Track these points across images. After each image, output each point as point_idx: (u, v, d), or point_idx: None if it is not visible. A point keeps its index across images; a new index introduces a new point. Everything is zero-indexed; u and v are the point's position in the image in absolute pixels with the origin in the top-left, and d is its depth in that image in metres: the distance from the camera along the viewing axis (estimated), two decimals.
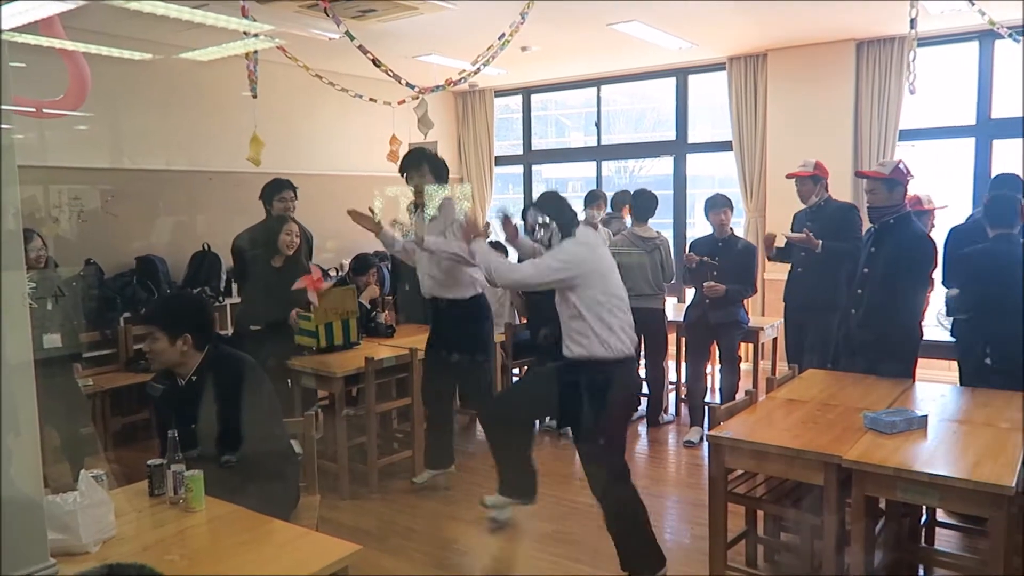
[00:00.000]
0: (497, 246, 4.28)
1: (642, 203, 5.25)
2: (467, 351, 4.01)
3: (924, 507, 3.21)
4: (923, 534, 3.36)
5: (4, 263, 1.66)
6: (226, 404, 2.59)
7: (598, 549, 3.53)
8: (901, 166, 3.58)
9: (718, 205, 4.96)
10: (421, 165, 3.93)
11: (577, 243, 3.15)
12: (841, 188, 6.03)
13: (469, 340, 4.02)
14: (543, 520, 3.85)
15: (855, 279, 3.78)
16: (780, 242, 4.79)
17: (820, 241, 4.41)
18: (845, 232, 4.46)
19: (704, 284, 4.84)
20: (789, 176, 4.76)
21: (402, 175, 4.01)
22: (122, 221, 5.62)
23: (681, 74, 7.43)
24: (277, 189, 4.65)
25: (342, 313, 4.10)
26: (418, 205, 3.95)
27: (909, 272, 3.51)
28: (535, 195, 8.33)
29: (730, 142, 7.08)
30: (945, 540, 3.50)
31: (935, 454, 2.53)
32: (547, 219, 3.16)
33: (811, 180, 4.63)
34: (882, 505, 2.96)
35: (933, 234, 4.22)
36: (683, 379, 5.64)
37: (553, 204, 3.22)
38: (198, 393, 2.63)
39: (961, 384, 3.64)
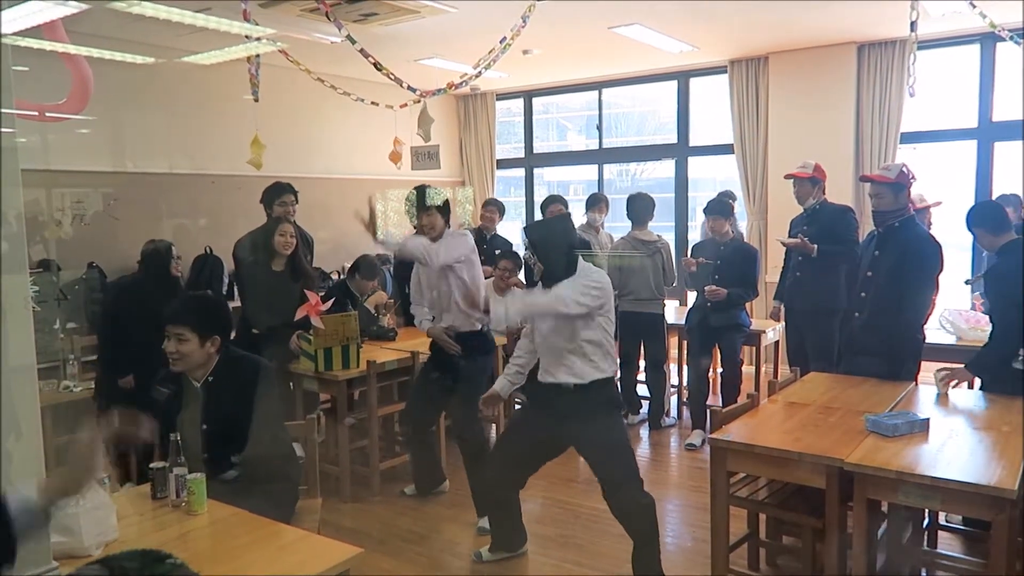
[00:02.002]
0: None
1: (639, 207, 5.25)
2: (462, 388, 3.83)
3: (926, 510, 3.21)
4: (925, 537, 3.35)
5: (7, 266, 1.67)
6: (247, 405, 2.60)
7: (601, 553, 3.53)
8: (904, 169, 3.58)
9: (709, 212, 4.96)
10: (431, 211, 3.81)
11: (597, 272, 3.13)
12: (842, 191, 6.03)
13: (466, 378, 3.83)
14: (546, 524, 3.85)
15: (856, 282, 3.76)
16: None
17: (815, 245, 4.42)
18: (841, 234, 4.46)
19: (705, 288, 4.84)
20: (787, 177, 4.77)
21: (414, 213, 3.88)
22: (124, 224, 5.63)
23: (682, 77, 7.44)
24: (277, 193, 4.66)
25: (341, 339, 4.11)
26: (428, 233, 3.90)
27: (916, 275, 3.49)
28: (537, 199, 8.29)
29: (731, 145, 7.08)
30: (947, 543, 3.50)
31: (937, 457, 2.52)
32: (534, 255, 3.06)
33: (809, 182, 4.64)
34: (884, 508, 2.96)
35: (932, 232, 4.20)
36: (685, 382, 5.63)
37: (551, 246, 3.06)
38: (217, 394, 2.63)
39: (982, 389, 3.60)
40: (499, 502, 3.45)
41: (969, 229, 3.50)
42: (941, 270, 3.59)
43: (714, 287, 4.80)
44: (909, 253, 3.49)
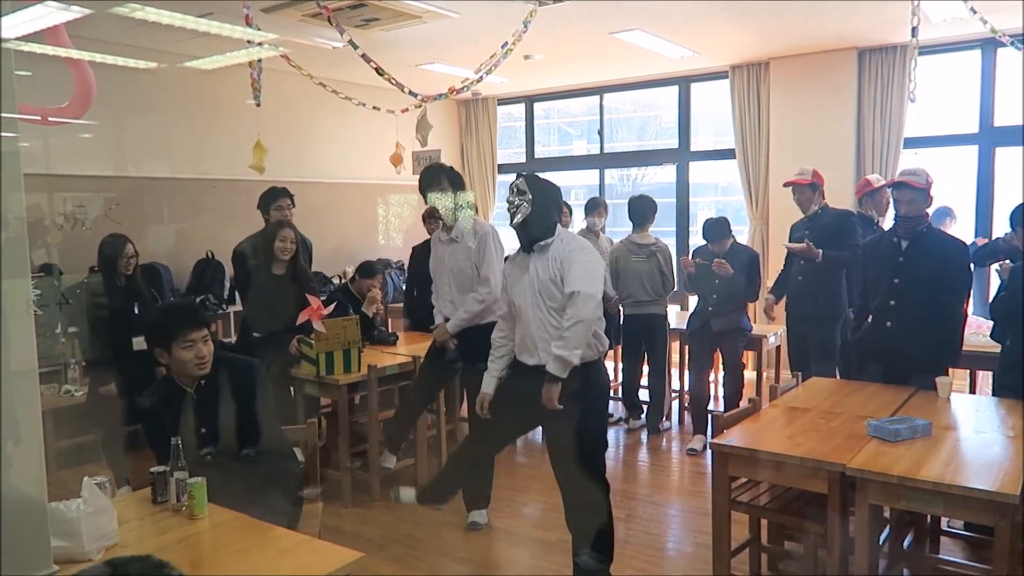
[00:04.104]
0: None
1: (639, 209, 5.24)
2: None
3: (928, 515, 3.20)
4: (927, 542, 3.34)
5: (10, 271, 1.67)
6: (243, 404, 2.62)
7: None
8: (928, 176, 3.55)
9: (711, 239, 4.91)
10: (441, 180, 3.81)
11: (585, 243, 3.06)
12: (844, 196, 6.03)
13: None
14: (547, 529, 3.84)
15: (876, 290, 3.64)
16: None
17: (820, 251, 4.41)
18: (844, 239, 4.45)
19: (714, 260, 4.78)
20: (786, 185, 4.76)
21: (422, 193, 3.87)
22: (126, 229, 5.62)
23: (684, 82, 7.45)
24: (274, 197, 4.67)
25: (343, 343, 4.12)
26: (437, 217, 3.92)
27: (957, 279, 3.46)
28: None
29: (733, 150, 7.09)
30: (949, 549, 3.49)
31: (940, 462, 2.51)
32: (528, 192, 2.97)
33: (809, 188, 4.64)
34: (886, 513, 2.95)
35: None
36: (686, 387, 5.63)
37: (545, 188, 3.05)
38: (212, 397, 2.63)
39: (994, 394, 3.60)
40: (474, 466, 3.47)
41: (1012, 228, 3.49)
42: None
43: (721, 260, 4.76)
44: (948, 258, 3.45)
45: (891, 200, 4.71)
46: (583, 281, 2.85)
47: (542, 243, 2.97)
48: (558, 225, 3.04)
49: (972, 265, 4.71)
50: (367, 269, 5.02)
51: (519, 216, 2.97)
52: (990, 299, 4.79)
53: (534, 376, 2.91)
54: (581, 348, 2.84)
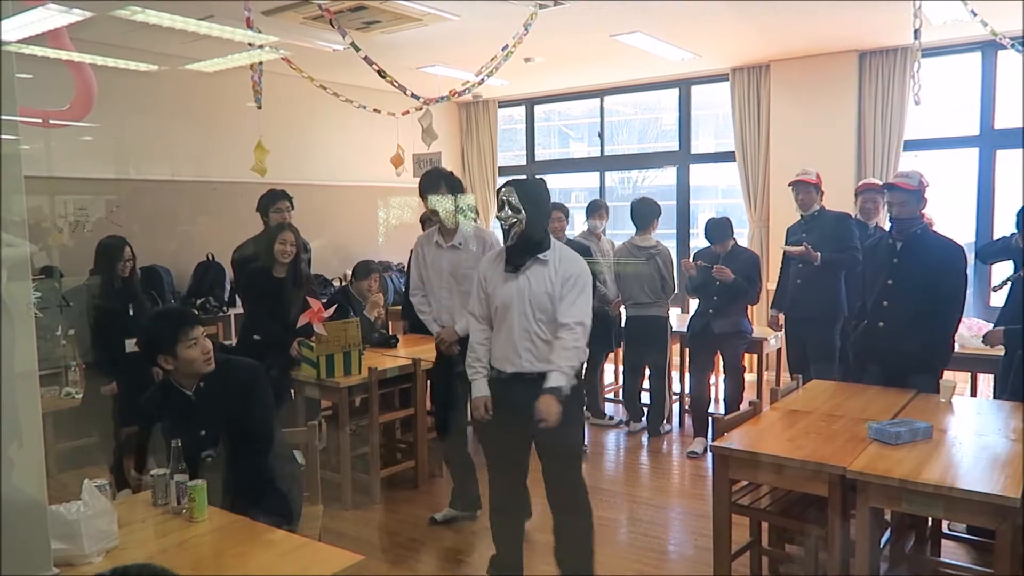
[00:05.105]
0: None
1: (641, 212, 5.24)
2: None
3: (930, 519, 3.19)
4: (928, 545, 3.34)
5: (11, 273, 1.67)
6: (243, 407, 2.62)
7: (602, 562, 3.50)
8: (923, 178, 3.56)
9: (714, 240, 4.91)
10: (440, 185, 3.76)
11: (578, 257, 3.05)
12: (845, 198, 6.03)
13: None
14: (547, 532, 3.82)
15: (871, 290, 3.67)
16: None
17: (818, 253, 4.41)
18: (842, 241, 4.45)
19: (714, 266, 4.79)
20: (792, 184, 4.75)
21: (422, 197, 3.80)
22: (127, 231, 5.62)
23: (684, 85, 7.45)
24: (272, 200, 4.67)
25: (344, 345, 4.12)
26: (436, 221, 3.89)
27: (952, 282, 3.47)
28: None
29: (733, 153, 7.09)
30: (951, 552, 3.48)
31: (941, 465, 2.51)
32: (522, 209, 2.89)
33: (814, 188, 4.65)
34: (887, 516, 2.95)
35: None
36: (687, 389, 5.63)
37: (541, 208, 2.98)
38: (212, 400, 2.63)
39: (995, 397, 3.59)
40: (510, 533, 3.29)
41: (1017, 229, 3.48)
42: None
43: (721, 266, 4.76)
44: (943, 260, 3.45)
45: (877, 204, 4.77)
46: (586, 312, 2.92)
47: (541, 256, 2.94)
48: (551, 237, 3.04)
49: (976, 262, 4.72)
50: (362, 270, 5.01)
51: (513, 238, 2.94)
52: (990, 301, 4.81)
53: (519, 385, 2.94)
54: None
